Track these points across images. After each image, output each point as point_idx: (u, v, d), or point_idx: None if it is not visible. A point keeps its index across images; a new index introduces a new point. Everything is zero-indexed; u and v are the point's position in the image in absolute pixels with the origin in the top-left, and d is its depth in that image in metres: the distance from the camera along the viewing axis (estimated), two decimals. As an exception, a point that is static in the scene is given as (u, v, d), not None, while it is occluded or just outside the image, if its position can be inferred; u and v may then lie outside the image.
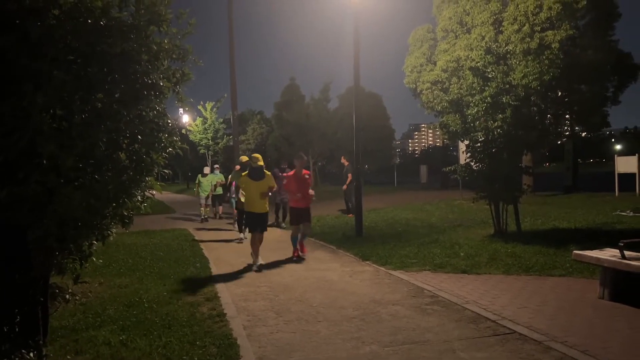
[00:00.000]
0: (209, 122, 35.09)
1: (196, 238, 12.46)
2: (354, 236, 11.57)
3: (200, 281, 7.42)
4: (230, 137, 28.34)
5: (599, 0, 16.65)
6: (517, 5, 10.68)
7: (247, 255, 9.76)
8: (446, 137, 12.11)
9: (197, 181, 17.49)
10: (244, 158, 11.83)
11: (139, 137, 4.16)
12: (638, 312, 5.38)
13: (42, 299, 4.26)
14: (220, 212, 17.93)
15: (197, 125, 34.86)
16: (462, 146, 11.85)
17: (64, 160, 3.53)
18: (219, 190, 17.35)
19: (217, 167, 18.53)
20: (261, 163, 8.69)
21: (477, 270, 7.62)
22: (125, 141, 4.15)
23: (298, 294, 6.59)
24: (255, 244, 8.59)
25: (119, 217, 4.43)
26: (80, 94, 3.75)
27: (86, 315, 5.65)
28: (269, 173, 8.90)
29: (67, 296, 4.93)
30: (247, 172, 8.91)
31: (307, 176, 9.42)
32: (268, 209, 8.89)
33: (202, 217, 17.04)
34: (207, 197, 17.19)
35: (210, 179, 17.12)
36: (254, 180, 8.62)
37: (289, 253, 9.46)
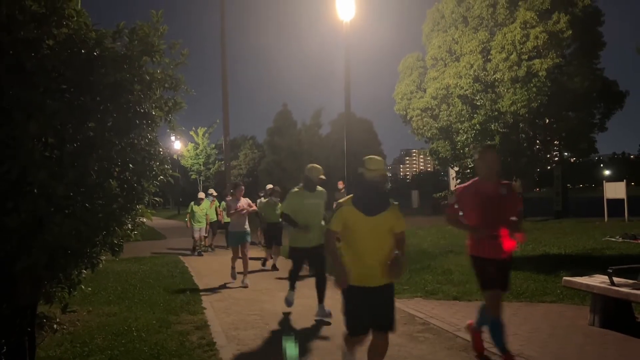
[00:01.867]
0: (200, 147, 35.23)
1: (186, 265, 12.36)
2: (345, 262, 11.52)
3: (190, 309, 7.35)
4: (222, 162, 28.39)
5: (584, 30, 17.04)
6: (505, 35, 10.95)
7: (237, 283, 9.69)
8: (436, 163, 12.23)
9: (189, 210, 15.06)
10: (317, 170, 6.73)
11: (131, 165, 4.17)
12: (628, 339, 5.39)
13: (29, 329, 4.20)
14: (212, 244, 16.11)
15: (188, 151, 34.94)
16: (453, 172, 11.95)
17: (55, 189, 3.53)
18: (213, 217, 15.51)
19: (211, 194, 16.20)
20: (383, 172, 4.06)
21: (468, 297, 7.61)
22: (117, 169, 4.16)
23: (289, 322, 6.53)
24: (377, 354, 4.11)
25: (108, 245, 4.41)
26: (73, 123, 3.78)
27: (74, 344, 5.56)
28: (395, 202, 4.14)
29: (55, 325, 4.86)
30: (349, 197, 4.14)
31: (505, 190, 4.63)
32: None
33: (197, 251, 14.78)
34: (201, 229, 14.88)
35: (206, 207, 14.93)
36: (367, 215, 3.94)
37: (282, 277, 9.38)
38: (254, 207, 10.17)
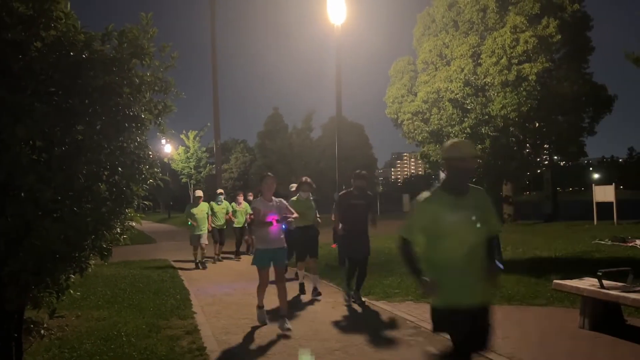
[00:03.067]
0: (191, 151, 35.14)
1: (177, 269, 12.28)
2: (336, 266, 11.50)
3: (180, 313, 7.30)
4: (213, 165, 28.30)
5: (573, 35, 17.17)
6: (495, 39, 11.02)
7: (227, 287, 9.64)
8: (427, 166, 12.26)
9: (187, 213, 12.56)
10: (466, 147, 3.55)
11: (120, 168, 4.15)
12: (617, 341, 5.41)
13: (16, 335, 4.16)
14: (219, 252, 13.53)
15: (179, 154, 34.83)
16: (443, 175, 11.99)
17: (43, 192, 3.50)
18: (221, 222, 13.31)
19: (222, 193, 13.93)
20: None
21: (459, 300, 7.61)
22: (106, 173, 4.14)
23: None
24: None
25: (97, 249, 4.38)
26: (61, 126, 3.75)
27: (62, 350, 5.49)
28: None
29: (42, 331, 4.82)
30: None
31: None
32: None
33: (197, 262, 12.39)
34: (201, 236, 12.34)
35: (205, 209, 12.49)
36: None
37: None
38: (295, 214, 6.85)
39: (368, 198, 7.87)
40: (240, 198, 14.12)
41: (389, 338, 5.83)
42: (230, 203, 14.00)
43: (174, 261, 13.85)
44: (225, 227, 13.56)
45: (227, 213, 13.56)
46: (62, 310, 6.54)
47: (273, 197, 6.62)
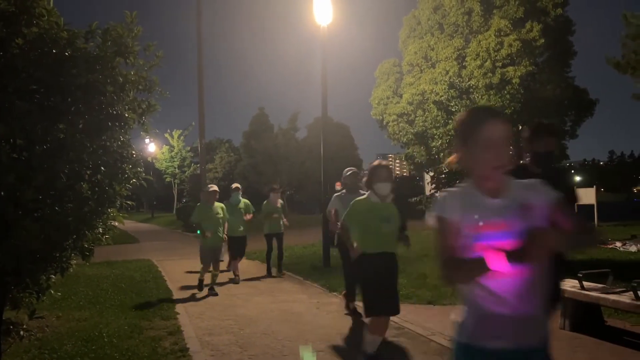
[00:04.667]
0: (175, 150, 34.98)
1: (160, 269, 12.18)
2: (321, 267, 11.51)
3: (163, 314, 7.24)
4: (197, 165, 28.16)
5: (556, 39, 17.43)
6: (480, 42, 11.13)
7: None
8: (412, 167, 12.34)
9: (197, 217, 8.81)
10: None
11: (102, 168, 4.11)
12: (597, 342, 5.48)
13: (-6, 336, 4.09)
14: (238, 271, 10.08)
15: (163, 153, 34.64)
16: (428, 177, 12.07)
17: (24, 192, 3.44)
18: (240, 229, 10.01)
19: (238, 189, 10.37)
20: None
21: (442, 301, 7.66)
22: (88, 172, 4.09)
23: (263, 327, 6.48)
24: None
25: (79, 249, 4.33)
26: (43, 124, 3.70)
27: (42, 351, 5.41)
28: None
29: (22, 332, 4.75)
30: None
31: None
32: None
33: (208, 287, 8.82)
34: (215, 250, 8.87)
35: (220, 211, 8.91)
36: None
37: (257, 281, 9.31)
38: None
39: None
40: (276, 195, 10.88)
41: (373, 339, 5.84)
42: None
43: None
44: (244, 233, 10.28)
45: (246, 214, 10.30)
46: (42, 310, 6.45)
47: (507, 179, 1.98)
